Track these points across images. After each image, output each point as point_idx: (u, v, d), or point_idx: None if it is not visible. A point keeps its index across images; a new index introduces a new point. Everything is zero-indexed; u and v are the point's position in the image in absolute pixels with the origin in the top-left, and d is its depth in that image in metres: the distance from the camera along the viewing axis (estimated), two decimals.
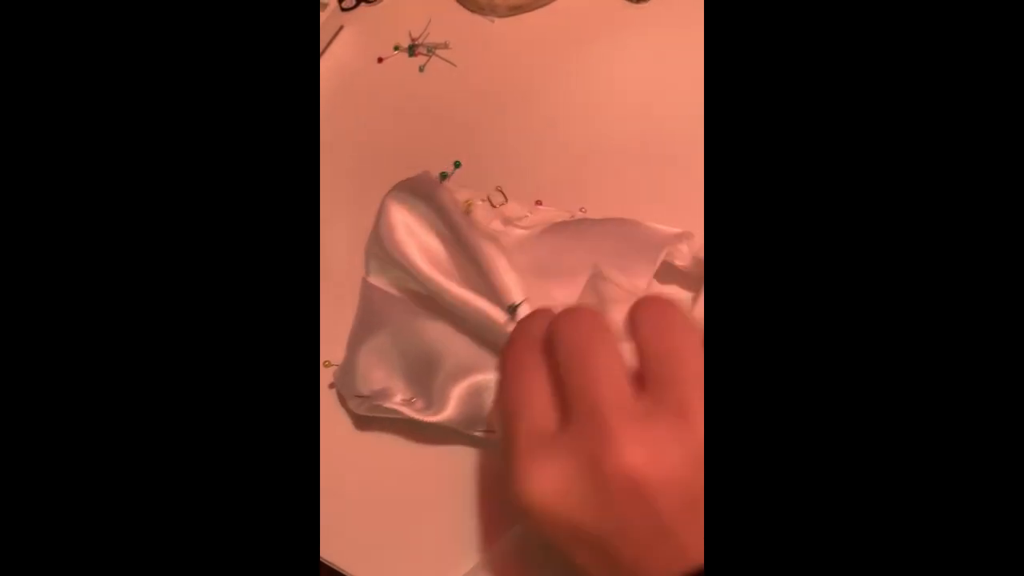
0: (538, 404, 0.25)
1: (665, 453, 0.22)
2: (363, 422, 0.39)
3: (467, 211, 0.39)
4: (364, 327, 0.39)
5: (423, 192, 0.40)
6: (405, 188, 0.40)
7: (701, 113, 0.49)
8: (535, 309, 0.30)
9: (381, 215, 0.39)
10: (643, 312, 0.26)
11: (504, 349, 0.28)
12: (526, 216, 0.42)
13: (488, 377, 0.35)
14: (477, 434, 0.35)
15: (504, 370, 0.27)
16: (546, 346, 0.26)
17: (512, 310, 0.34)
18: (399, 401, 0.35)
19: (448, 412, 0.35)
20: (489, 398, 0.35)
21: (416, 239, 0.39)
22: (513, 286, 0.35)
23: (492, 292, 0.35)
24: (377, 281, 0.40)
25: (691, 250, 0.38)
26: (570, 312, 0.27)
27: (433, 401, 0.35)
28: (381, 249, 0.39)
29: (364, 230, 0.42)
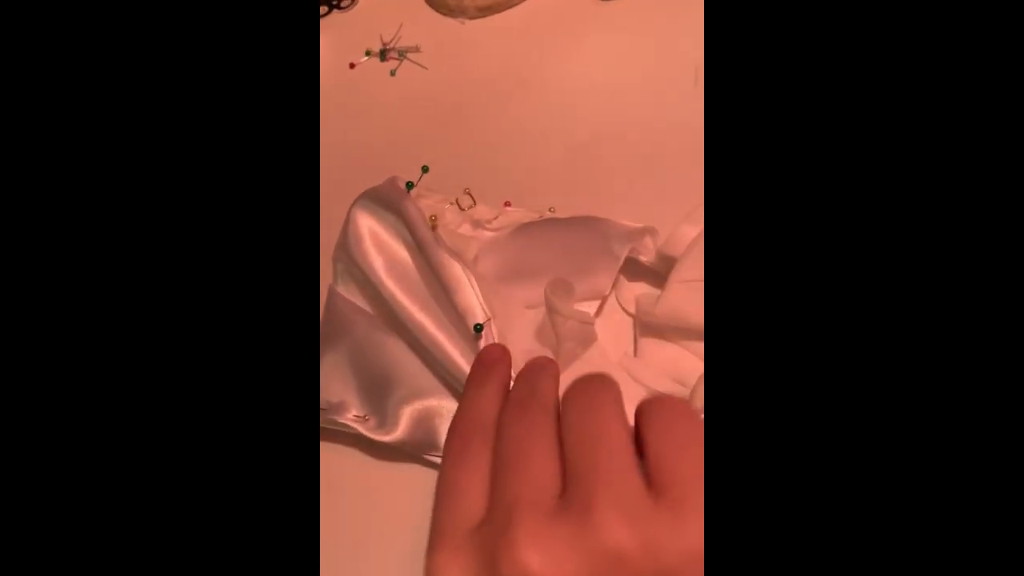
0: (468, 494, 0.24)
1: (563, 559, 0.21)
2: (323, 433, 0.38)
3: (434, 226, 0.39)
4: (326, 337, 0.39)
5: (390, 202, 0.39)
6: (372, 196, 0.40)
7: (671, 110, 0.49)
8: (485, 380, 0.29)
9: (348, 223, 0.39)
10: (566, 404, 0.25)
11: (450, 428, 0.28)
12: (495, 218, 0.42)
13: (442, 403, 0.35)
14: (430, 458, 0.35)
15: (446, 449, 0.27)
16: (492, 432, 0.26)
17: (478, 329, 0.34)
18: (351, 417, 0.35)
19: (399, 433, 0.34)
20: (441, 424, 0.34)
21: (383, 251, 0.38)
22: (478, 305, 0.35)
23: (455, 311, 0.35)
24: (343, 290, 0.40)
25: (655, 244, 0.38)
26: (518, 403, 0.26)
27: (386, 421, 0.35)
28: (348, 258, 0.39)
29: (332, 237, 0.42)
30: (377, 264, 0.37)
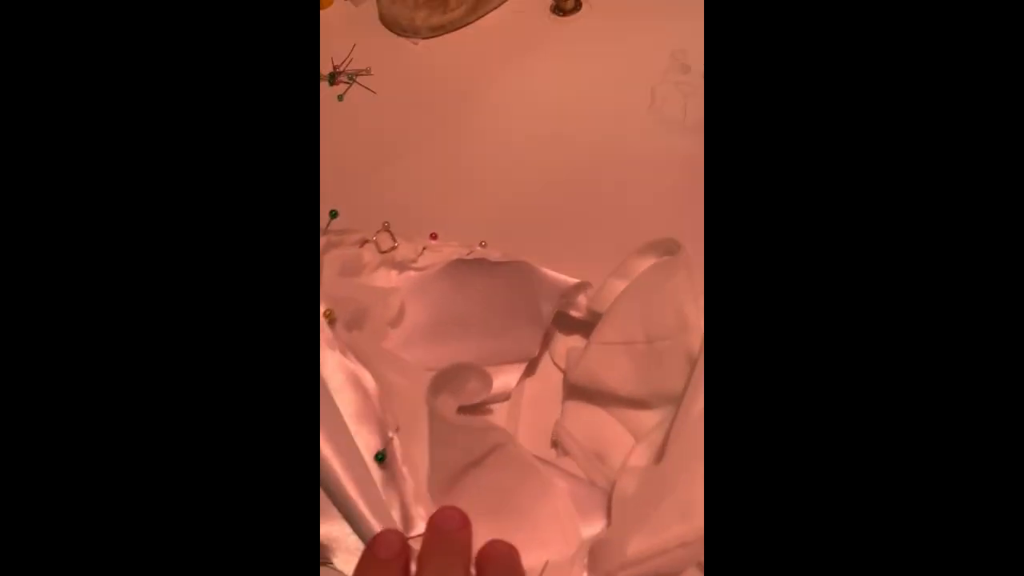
0: None
1: None
2: None
3: (331, 320, 0.34)
4: None
5: None
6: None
7: (625, 137, 0.46)
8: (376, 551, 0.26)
9: None
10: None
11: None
12: (419, 255, 0.39)
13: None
14: None
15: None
16: None
17: (381, 458, 0.30)
18: None
19: None
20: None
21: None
22: (368, 437, 0.30)
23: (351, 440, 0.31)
24: None
25: (587, 300, 0.35)
26: None
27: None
28: None
29: None
30: None
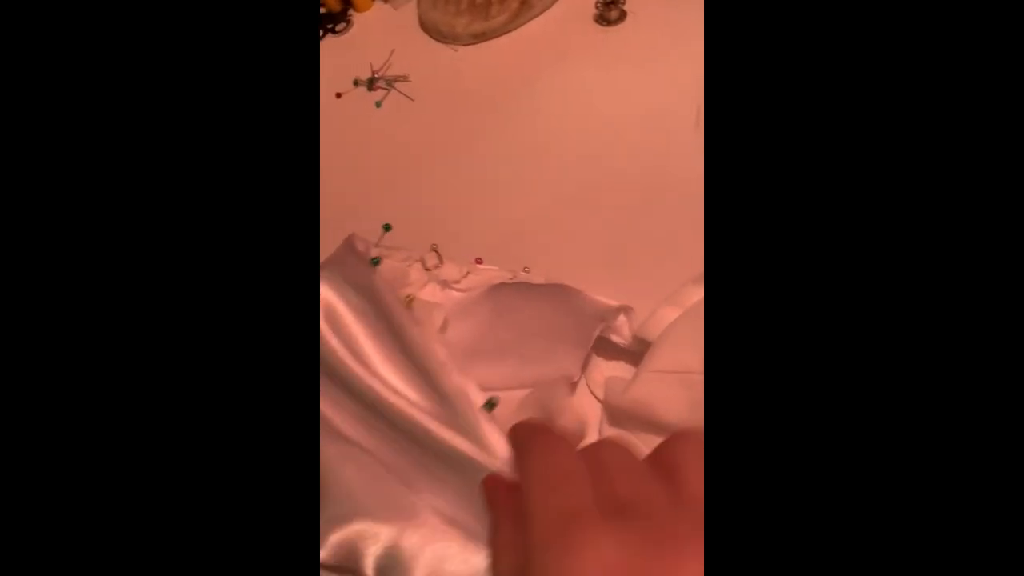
0: (578, 481, 0.25)
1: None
2: None
3: (409, 304, 0.35)
4: None
5: (359, 281, 0.35)
6: (337, 272, 0.36)
7: (669, 157, 0.45)
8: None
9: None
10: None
11: (526, 432, 0.28)
12: (464, 277, 0.38)
13: (372, 528, 0.29)
14: None
15: (524, 446, 0.27)
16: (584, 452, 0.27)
17: (491, 406, 0.31)
18: None
19: (323, 554, 0.29)
20: (367, 548, 0.29)
21: (339, 332, 0.33)
22: (472, 390, 0.31)
23: (442, 398, 0.31)
24: None
25: (630, 325, 0.34)
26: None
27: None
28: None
29: None
30: (341, 349, 0.33)
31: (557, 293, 0.35)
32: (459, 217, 0.44)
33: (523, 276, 0.38)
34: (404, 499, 0.30)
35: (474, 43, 0.56)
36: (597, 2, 0.53)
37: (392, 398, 0.31)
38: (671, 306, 0.32)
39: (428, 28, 0.58)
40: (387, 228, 0.39)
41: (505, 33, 0.56)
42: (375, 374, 0.32)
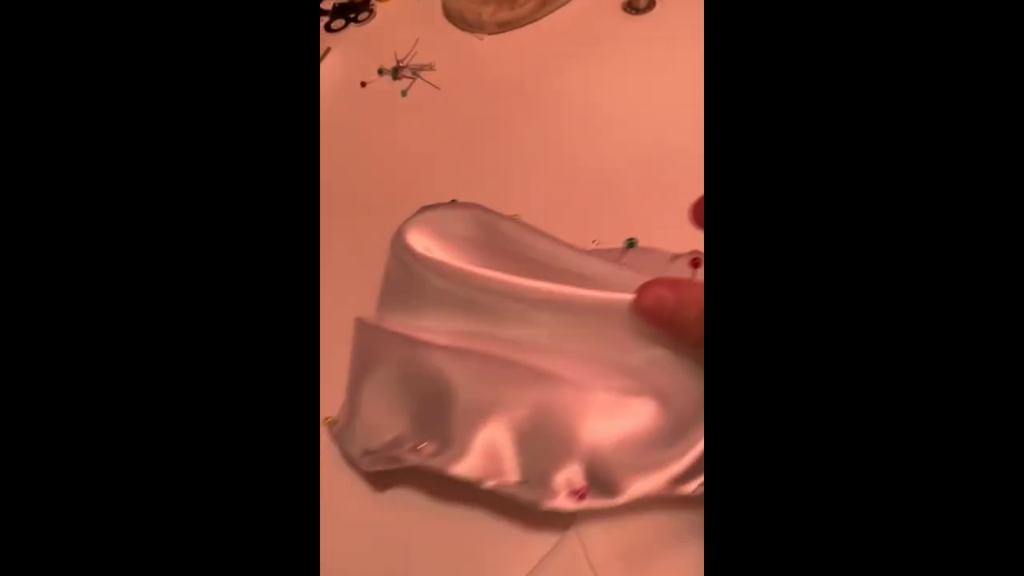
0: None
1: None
2: (376, 482, 0.34)
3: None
4: (361, 370, 0.34)
5: (445, 214, 0.35)
6: (421, 216, 0.35)
7: (696, 140, 0.44)
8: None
9: (396, 246, 0.35)
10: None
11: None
12: None
13: (511, 413, 0.30)
14: (490, 486, 0.29)
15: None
16: None
17: (631, 244, 0.34)
18: (409, 449, 0.30)
19: (471, 459, 0.29)
20: (509, 444, 0.29)
21: (446, 250, 0.34)
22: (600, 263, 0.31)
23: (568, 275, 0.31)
24: (388, 321, 0.36)
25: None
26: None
27: (452, 444, 0.30)
28: (400, 278, 0.35)
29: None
30: (441, 256, 0.33)
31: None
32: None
33: (592, 246, 0.38)
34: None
35: (500, 32, 0.55)
36: None
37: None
38: None
39: (453, 17, 0.57)
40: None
41: (532, 22, 0.55)
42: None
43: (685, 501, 0.29)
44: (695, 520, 0.30)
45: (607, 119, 0.47)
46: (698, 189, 0.41)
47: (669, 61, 0.49)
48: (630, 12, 0.53)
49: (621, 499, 0.28)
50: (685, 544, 0.30)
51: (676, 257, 0.35)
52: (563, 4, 0.55)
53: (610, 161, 0.45)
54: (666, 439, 0.28)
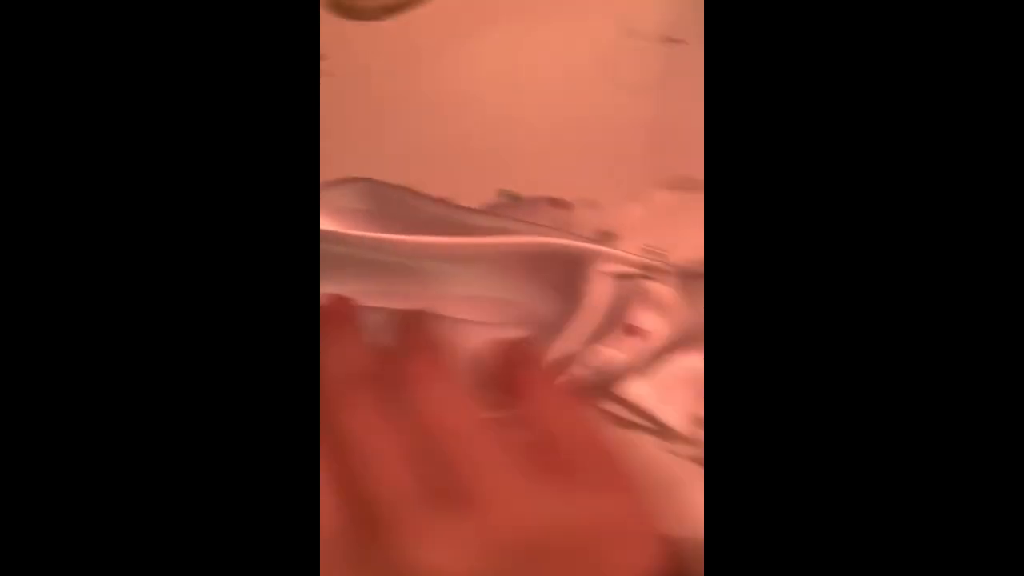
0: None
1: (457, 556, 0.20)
2: None
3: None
4: None
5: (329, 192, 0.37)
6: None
7: (578, 94, 0.48)
8: None
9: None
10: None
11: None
12: None
13: None
14: None
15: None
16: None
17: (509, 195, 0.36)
18: None
19: None
20: None
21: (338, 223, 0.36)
22: None
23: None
24: None
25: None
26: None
27: None
28: None
29: None
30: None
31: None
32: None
33: None
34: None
35: (387, 17, 0.57)
36: None
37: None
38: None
39: (335, 8, 0.59)
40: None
41: (417, 4, 0.57)
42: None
43: None
44: None
45: (500, 88, 0.51)
46: (588, 140, 0.44)
47: (550, 30, 0.53)
48: None
49: None
50: None
51: (554, 202, 0.37)
52: None
53: (497, 133, 0.48)
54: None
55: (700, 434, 0.32)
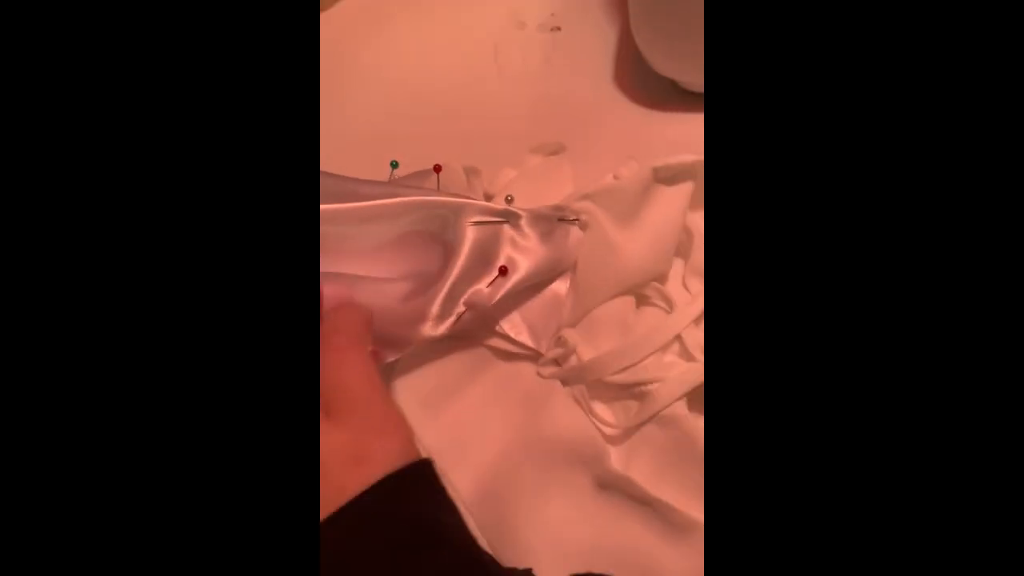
0: None
1: None
2: None
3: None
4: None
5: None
6: None
7: (472, 82, 0.54)
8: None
9: None
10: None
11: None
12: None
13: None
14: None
15: None
16: None
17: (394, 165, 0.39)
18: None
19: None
20: None
21: None
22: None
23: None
24: None
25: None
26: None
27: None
28: None
29: None
30: None
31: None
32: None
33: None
34: None
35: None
36: None
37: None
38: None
39: None
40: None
41: (332, 6, 0.62)
42: None
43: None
44: (481, 354, 0.38)
45: (405, 80, 0.56)
46: (482, 126, 0.49)
47: (447, 27, 0.58)
48: None
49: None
50: (475, 380, 0.38)
51: (438, 168, 0.42)
52: None
53: (397, 115, 0.53)
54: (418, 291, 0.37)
55: (562, 352, 0.38)
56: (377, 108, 0.54)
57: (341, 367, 0.29)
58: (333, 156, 0.49)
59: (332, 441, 0.27)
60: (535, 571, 0.28)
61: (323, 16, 0.62)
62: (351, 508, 0.25)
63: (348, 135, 0.52)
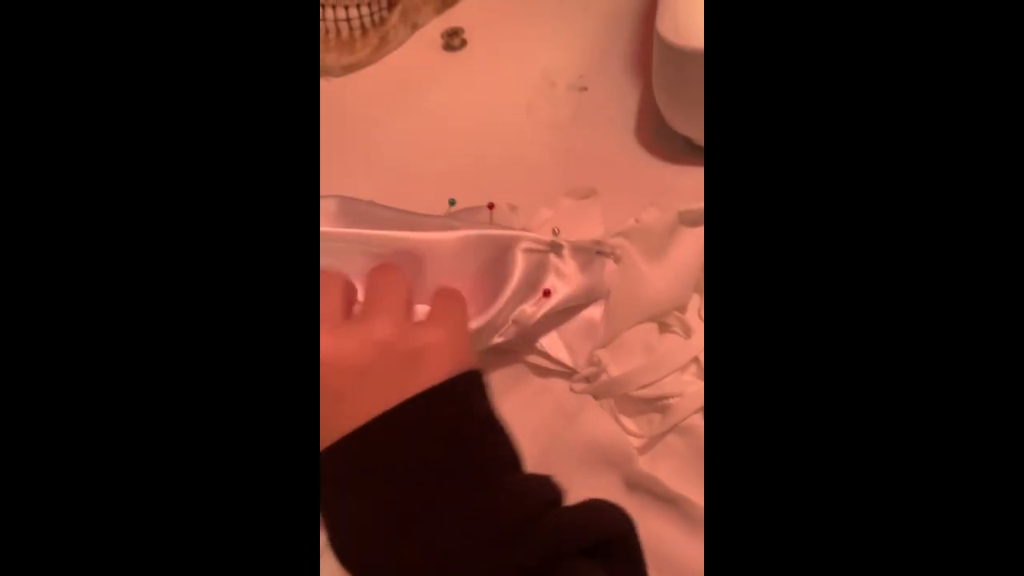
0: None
1: (345, 342, 0.33)
2: None
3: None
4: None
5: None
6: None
7: (507, 136, 0.59)
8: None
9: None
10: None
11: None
12: None
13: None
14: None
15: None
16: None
17: (452, 203, 0.44)
18: None
19: None
20: None
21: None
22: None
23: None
24: None
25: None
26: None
27: None
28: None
29: None
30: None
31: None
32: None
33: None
34: None
35: (344, 75, 0.68)
36: (442, 33, 0.67)
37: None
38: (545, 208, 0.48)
39: None
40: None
41: (370, 64, 0.68)
42: None
43: None
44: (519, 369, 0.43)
45: (442, 134, 0.61)
46: (516, 174, 0.55)
47: (483, 84, 0.64)
48: (448, 51, 0.68)
49: None
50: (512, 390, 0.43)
51: (491, 206, 0.47)
52: (395, 48, 0.69)
53: (445, 166, 0.59)
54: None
55: (594, 371, 0.42)
56: (434, 152, 0.60)
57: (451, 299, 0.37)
58: (389, 193, 0.55)
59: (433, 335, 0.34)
60: None
61: (388, 70, 0.68)
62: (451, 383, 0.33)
63: (407, 176, 0.58)
